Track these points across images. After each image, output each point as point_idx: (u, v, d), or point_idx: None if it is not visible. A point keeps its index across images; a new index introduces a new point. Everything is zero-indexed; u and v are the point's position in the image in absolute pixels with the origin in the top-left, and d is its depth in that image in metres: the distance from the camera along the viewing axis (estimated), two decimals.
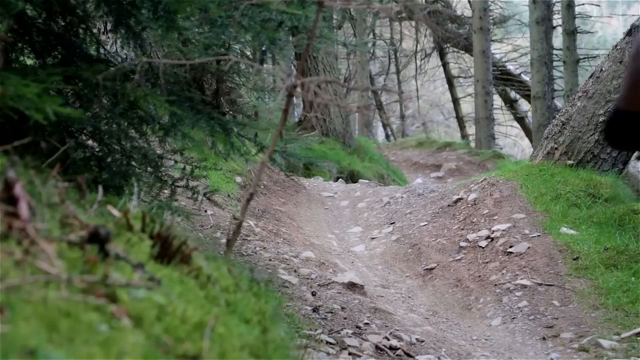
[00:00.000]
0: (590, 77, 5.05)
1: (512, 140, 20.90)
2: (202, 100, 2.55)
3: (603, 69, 4.91)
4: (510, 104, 20.23)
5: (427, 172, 13.98)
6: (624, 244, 3.74)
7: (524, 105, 18.77)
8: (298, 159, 2.72)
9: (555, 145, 4.95)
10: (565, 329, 3.15)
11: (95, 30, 2.71)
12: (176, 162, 2.67)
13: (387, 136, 20.70)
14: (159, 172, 2.62)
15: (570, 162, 4.81)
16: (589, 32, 12.42)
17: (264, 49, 2.63)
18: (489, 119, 14.79)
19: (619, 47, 4.88)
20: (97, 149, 2.40)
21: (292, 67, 13.61)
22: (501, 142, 20.83)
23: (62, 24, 2.31)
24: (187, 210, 2.61)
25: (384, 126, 20.63)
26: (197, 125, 2.35)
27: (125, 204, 1.74)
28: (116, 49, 3.80)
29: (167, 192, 2.76)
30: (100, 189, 1.57)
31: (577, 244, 3.81)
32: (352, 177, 8.90)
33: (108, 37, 3.24)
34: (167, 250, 1.32)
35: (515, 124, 20.26)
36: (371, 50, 19.38)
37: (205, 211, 4.24)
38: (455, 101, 19.60)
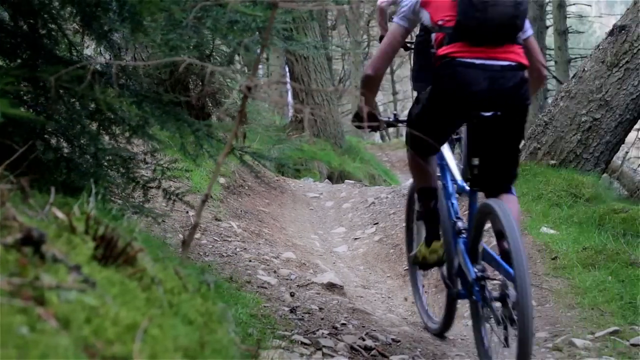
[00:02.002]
0: (573, 77, 5.07)
1: None
2: (171, 101, 2.56)
3: (585, 69, 4.92)
4: None
5: None
6: (602, 243, 3.75)
7: None
8: (269, 160, 2.72)
9: (538, 146, 4.96)
10: (541, 328, 3.15)
11: (70, 32, 2.72)
12: (147, 163, 2.67)
13: (381, 137, 20.71)
14: (130, 173, 2.62)
15: (553, 162, 4.83)
16: (580, 32, 12.44)
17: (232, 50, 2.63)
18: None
19: (601, 47, 4.90)
20: (66, 151, 2.40)
21: (286, 68, 13.62)
22: None
23: (29, 24, 2.31)
24: (156, 212, 2.61)
25: None
26: (165, 127, 2.35)
27: (83, 206, 1.75)
28: (97, 51, 3.81)
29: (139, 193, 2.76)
30: (53, 190, 1.57)
31: (556, 244, 3.82)
32: (342, 178, 8.91)
33: (84, 39, 3.24)
34: (111, 252, 1.32)
35: None
36: (365, 51, 19.42)
37: (187, 212, 4.24)
38: None
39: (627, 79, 4.72)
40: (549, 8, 12.97)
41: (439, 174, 3.06)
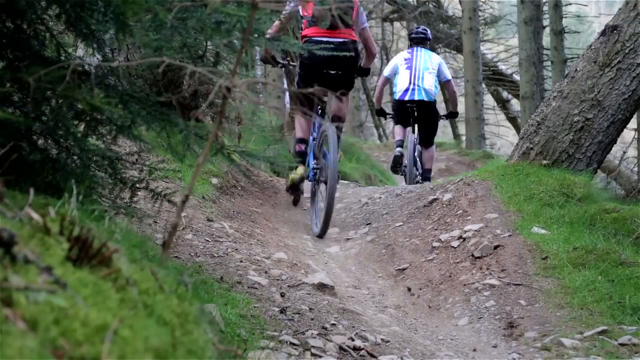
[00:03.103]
0: (565, 77, 5.07)
1: (508, 140, 20.92)
2: (159, 102, 2.56)
3: (577, 69, 4.92)
4: (503, 104, 20.28)
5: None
6: (592, 243, 3.75)
7: (516, 105, 18.81)
8: (258, 159, 2.72)
9: (531, 145, 4.96)
10: (530, 328, 3.15)
11: (60, 33, 2.72)
12: (134, 163, 2.67)
13: (379, 137, 20.73)
14: (118, 174, 2.62)
15: (545, 162, 4.83)
16: (576, 32, 12.45)
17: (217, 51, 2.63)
18: (479, 119, 14.84)
19: (593, 47, 4.90)
20: (52, 151, 2.40)
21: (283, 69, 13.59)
22: (499, 142, 20.86)
23: (15, 24, 2.30)
24: (143, 212, 2.61)
25: (376, 127, 20.67)
26: (151, 127, 2.35)
27: (63, 206, 1.75)
28: (87, 52, 3.80)
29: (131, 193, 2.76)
30: (32, 191, 1.57)
31: (547, 244, 3.82)
32: (338, 178, 8.91)
33: (77, 41, 3.24)
34: (86, 253, 1.32)
35: (508, 123, 20.30)
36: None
37: None
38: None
39: (619, 79, 4.73)
40: (545, 8, 12.98)
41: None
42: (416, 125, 6.85)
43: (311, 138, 5.03)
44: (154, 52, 2.20)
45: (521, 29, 12.21)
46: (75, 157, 2.43)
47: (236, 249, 3.99)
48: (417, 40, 7.13)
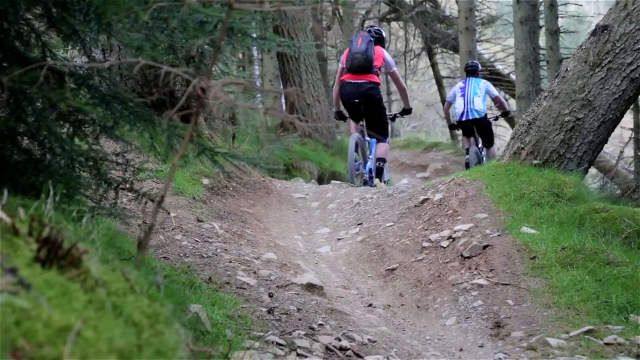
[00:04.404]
0: (556, 76, 5.07)
1: (505, 140, 20.91)
2: (145, 103, 2.56)
3: (568, 68, 4.93)
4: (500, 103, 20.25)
5: (414, 172, 14.01)
6: (581, 243, 3.75)
7: (514, 105, 18.80)
8: (241, 160, 2.72)
9: (522, 145, 4.96)
10: (517, 328, 3.16)
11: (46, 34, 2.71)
12: (118, 163, 2.67)
13: None
14: (102, 174, 2.62)
15: (536, 161, 4.83)
16: (572, 32, 12.45)
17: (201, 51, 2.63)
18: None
19: (584, 47, 4.90)
20: (35, 152, 2.40)
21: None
22: (497, 142, 20.85)
23: None
24: (126, 213, 2.61)
25: None
26: (133, 127, 2.35)
27: (41, 207, 1.75)
28: (72, 53, 3.79)
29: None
30: (5, 192, 1.57)
31: (536, 243, 3.82)
32: (334, 179, 8.91)
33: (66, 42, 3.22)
34: (55, 254, 1.32)
35: (505, 123, 20.29)
36: None
37: (168, 213, 4.23)
38: (445, 101, 19.61)
39: (609, 79, 4.73)
40: (542, 8, 12.98)
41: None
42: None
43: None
44: (135, 52, 2.20)
45: (517, 29, 12.21)
46: (58, 158, 2.43)
47: (226, 250, 3.99)
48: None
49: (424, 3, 18.82)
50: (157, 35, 2.15)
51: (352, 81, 6.28)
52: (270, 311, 3.31)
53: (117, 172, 2.80)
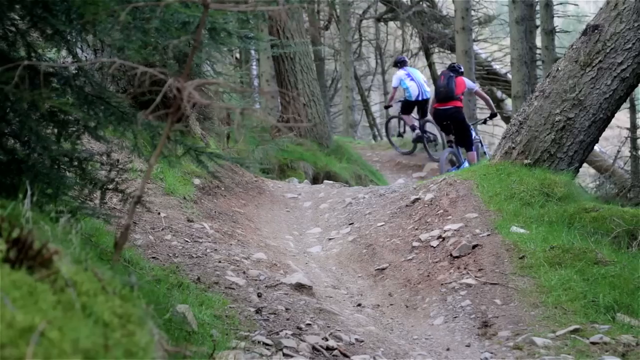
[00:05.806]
0: (547, 76, 5.07)
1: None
2: (135, 103, 2.56)
3: (559, 68, 4.93)
4: (497, 103, 20.26)
5: (410, 172, 13.98)
6: (570, 242, 3.75)
7: (511, 104, 18.79)
8: (227, 160, 2.72)
9: (513, 145, 4.97)
10: (504, 327, 3.16)
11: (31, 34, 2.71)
12: (103, 164, 2.67)
13: (374, 136, 20.73)
14: (87, 174, 2.61)
15: (527, 161, 4.83)
16: (567, 31, 12.46)
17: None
18: (473, 119, 14.82)
19: (574, 46, 4.91)
20: (19, 152, 2.39)
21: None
22: (496, 142, 20.85)
23: None
24: (109, 213, 2.60)
25: (371, 126, 20.67)
26: (117, 128, 2.35)
27: (19, 208, 1.75)
28: (58, 54, 3.78)
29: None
30: None
31: (525, 243, 3.82)
32: (329, 178, 8.91)
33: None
34: (26, 254, 1.32)
35: (502, 123, 20.28)
36: (357, 51, 19.41)
37: (159, 213, 4.23)
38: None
39: (600, 79, 4.73)
40: (538, 8, 12.99)
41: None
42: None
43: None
44: (117, 51, 2.20)
45: (513, 29, 12.21)
46: (42, 158, 2.42)
47: (215, 250, 3.98)
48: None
49: (420, 3, 18.82)
50: (138, 35, 2.15)
51: (441, 108, 8.42)
52: (258, 311, 3.31)
53: (103, 172, 2.80)
